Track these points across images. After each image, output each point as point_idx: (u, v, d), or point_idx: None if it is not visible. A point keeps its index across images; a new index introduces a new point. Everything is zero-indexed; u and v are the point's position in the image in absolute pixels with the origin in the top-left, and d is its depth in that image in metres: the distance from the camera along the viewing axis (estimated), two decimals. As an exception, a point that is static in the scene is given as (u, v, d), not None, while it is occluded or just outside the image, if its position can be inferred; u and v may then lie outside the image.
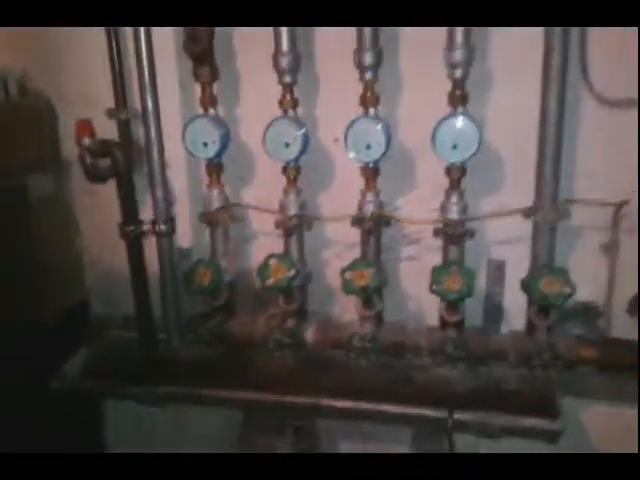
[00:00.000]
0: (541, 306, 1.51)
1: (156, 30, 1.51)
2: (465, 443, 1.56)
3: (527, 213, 1.51)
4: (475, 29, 1.40)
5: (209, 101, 1.59)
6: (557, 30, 1.35)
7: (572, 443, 1.51)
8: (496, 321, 1.69)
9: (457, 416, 1.46)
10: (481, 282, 1.65)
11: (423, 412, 1.49)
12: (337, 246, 1.73)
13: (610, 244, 1.52)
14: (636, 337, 1.54)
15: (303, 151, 1.56)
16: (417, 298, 1.72)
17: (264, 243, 1.74)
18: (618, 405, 1.64)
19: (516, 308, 1.64)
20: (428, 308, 1.69)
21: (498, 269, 1.65)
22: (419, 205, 1.62)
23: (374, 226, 1.59)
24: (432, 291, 1.51)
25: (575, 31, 1.38)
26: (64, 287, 1.88)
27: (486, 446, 1.54)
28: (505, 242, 1.62)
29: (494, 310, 1.68)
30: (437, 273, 1.52)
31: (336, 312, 1.79)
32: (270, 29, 1.49)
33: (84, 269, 1.94)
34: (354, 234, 1.63)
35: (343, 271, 1.56)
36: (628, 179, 1.49)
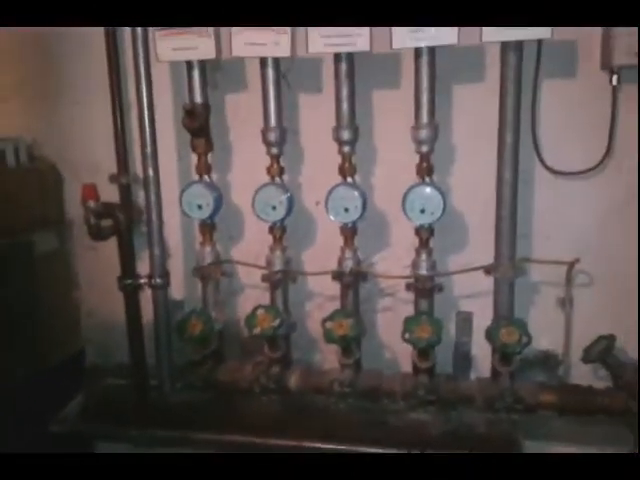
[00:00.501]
0: (503, 354, 1.63)
1: (158, 106, 1.66)
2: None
3: (488, 270, 1.64)
4: (438, 110, 1.56)
5: (204, 169, 1.72)
6: (509, 112, 1.52)
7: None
8: (465, 368, 1.80)
9: (428, 456, 1.56)
10: (451, 332, 1.78)
11: (397, 453, 1.56)
12: (319, 298, 1.85)
13: (566, 298, 1.63)
14: (592, 383, 1.67)
15: (288, 213, 1.70)
16: (392, 346, 1.84)
17: (251, 295, 1.86)
18: (578, 447, 1.72)
19: (483, 356, 1.75)
20: (402, 355, 1.80)
21: (466, 320, 1.78)
22: (393, 261, 1.76)
23: (353, 280, 1.71)
24: (404, 339, 1.63)
25: (526, 110, 1.56)
26: (63, 336, 1.97)
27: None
28: (472, 295, 1.75)
29: (463, 358, 1.79)
30: (408, 323, 1.64)
31: (318, 359, 1.90)
32: (260, 108, 1.64)
33: (82, 319, 2.03)
34: (334, 287, 1.75)
35: (324, 321, 1.67)
36: (578, 239, 1.65)
